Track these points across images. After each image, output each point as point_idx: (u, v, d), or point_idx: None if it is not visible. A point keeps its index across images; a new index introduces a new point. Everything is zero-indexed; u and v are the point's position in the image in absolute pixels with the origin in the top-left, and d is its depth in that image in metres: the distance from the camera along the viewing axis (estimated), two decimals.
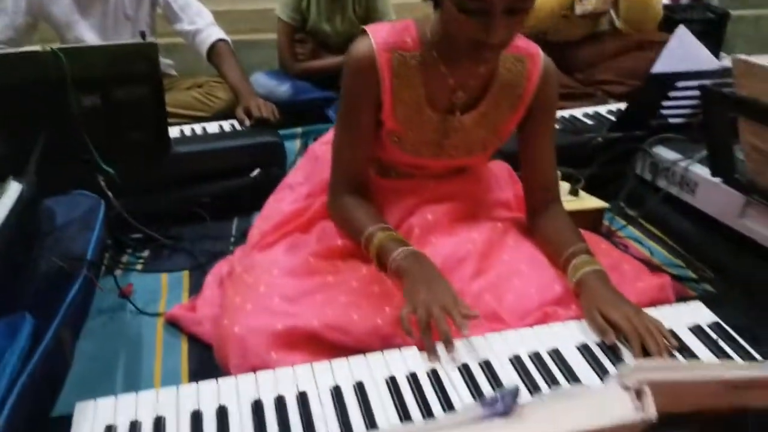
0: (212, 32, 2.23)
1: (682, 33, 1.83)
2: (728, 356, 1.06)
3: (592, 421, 0.52)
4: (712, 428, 0.64)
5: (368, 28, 1.25)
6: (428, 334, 1.06)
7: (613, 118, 1.97)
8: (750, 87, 1.32)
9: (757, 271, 1.39)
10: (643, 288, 1.23)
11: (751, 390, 0.59)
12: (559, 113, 2.12)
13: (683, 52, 1.78)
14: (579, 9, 2.46)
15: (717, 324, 1.14)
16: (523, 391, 0.99)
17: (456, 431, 0.52)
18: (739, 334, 1.11)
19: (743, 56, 1.32)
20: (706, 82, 1.49)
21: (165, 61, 2.32)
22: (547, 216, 1.34)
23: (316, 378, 1.03)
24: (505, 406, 0.53)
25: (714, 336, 1.11)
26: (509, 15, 1.07)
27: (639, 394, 0.54)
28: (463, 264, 1.26)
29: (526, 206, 1.39)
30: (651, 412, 0.53)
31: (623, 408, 0.53)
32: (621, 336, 1.07)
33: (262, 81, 2.46)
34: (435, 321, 1.06)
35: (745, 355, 1.07)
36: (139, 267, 1.59)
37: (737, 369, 0.57)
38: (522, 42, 1.29)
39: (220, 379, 1.02)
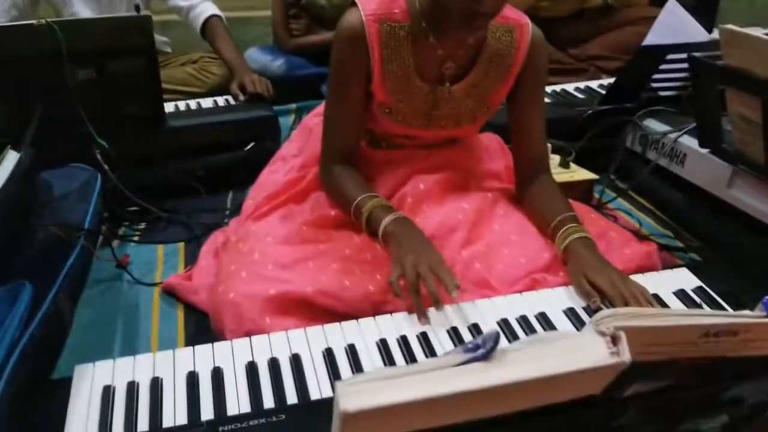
0: (206, 8, 2.24)
1: (672, 6, 1.84)
2: None
3: (569, 364, 0.55)
4: (687, 377, 0.67)
5: None
6: (417, 295, 1.08)
7: (604, 92, 1.98)
8: (737, 56, 1.34)
9: (743, 239, 1.42)
10: (630, 255, 1.26)
11: (725, 337, 0.61)
12: (551, 87, 2.14)
13: (674, 25, 1.79)
14: None
15: (701, 288, 1.17)
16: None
17: (438, 373, 0.54)
18: (723, 299, 1.14)
19: (730, 26, 1.33)
20: (696, 54, 1.51)
21: (160, 38, 2.32)
22: (536, 186, 1.36)
23: (309, 341, 1.06)
24: (485, 350, 0.55)
25: (698, 300, 1.14)
26: None
27: (614, 339, 0.56)
28: (454, 233, 1.28)
29: (516, 177, 1.41)
30: (626, 356, 0.56)
31: (599, 352, 0.56)
32: (606, 301, 1.10)
33: (256, 56, 2.48)
34: (424, 281, 1.08)
35: None
36: (135, 239, 1.60)
37: (711, 317, 0.59)
38: (511, 12, 1.30)
39: (216, 343, 1.05)
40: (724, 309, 1.11)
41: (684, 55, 1.58)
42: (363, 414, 0.50)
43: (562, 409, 0.60)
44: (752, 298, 1.18)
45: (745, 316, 0.60)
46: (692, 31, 1.81)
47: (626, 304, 1.07)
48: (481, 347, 0.55)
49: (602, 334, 0.57)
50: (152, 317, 1.34)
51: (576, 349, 0.56)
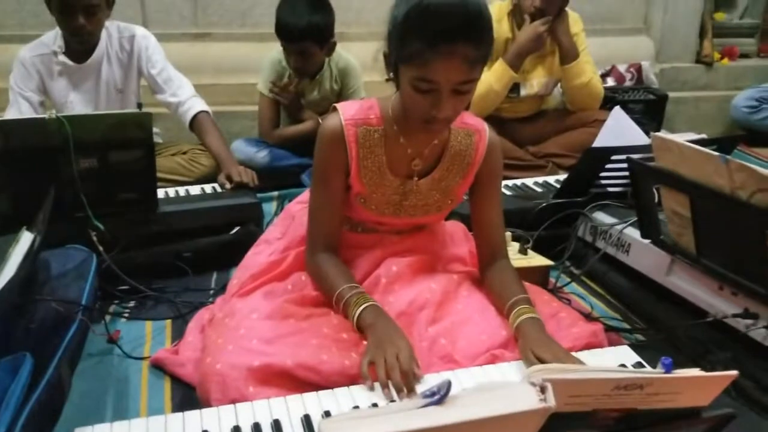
0: (194, 104, 2.42)
1: (617, 113, 2.08)
2: None
3: (506, 408, 0.69)
4: (610, 426, 0.81)
5: (338, 105, 1.46)
6: (385, 382, 1.21)
7: (559, 186, 2.18)
8: (667, 160, 1.54)
9: (680, 322, 1.57)
10: (578, 333, 1.40)
11: (633, 390, 0.76)
12: (513, 181, 2.35)
13: (619, 129, 2.02)
14: (523, 91, 2.77)
15: (639, 363, 1.31)
16: None
17: (404, 414, 0.68)
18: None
19: (660, 133, 1.54)
20: (635, 156, 1.71)
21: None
22: (495, 270, 1.52)
23: (288, 408, 1.16)
24: (440, 396, 0.69)
25: None
26: (455, 95, 1.28)
27: (542, 389, 0.70)
28: (422, 311, 1.43)
29: (478, 261, 1.57)
30: (551, 402, 0.70)
31: (530, 399, 0.70)
32: None
33: (242, 148, 2.65)
34: (390, 371, 1.20)
35: None
36: (126, 315, 1.71)
37: (620, 372, 0.74)
38: (471, 119, 1.51)
39: (204, 409, 1.16)
40: None
41: (626, 156, 1.78)
42: None
43: None
44: None
45: (648, 372, 0.75)
46: (634, 134, 2.04)
47: None
48: (436, 394, 0.69)
49: (533, 384, 0.71)
50: (141, 389, 1.44)
51: (512, 396, 0.70)
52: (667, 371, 0.74)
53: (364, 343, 1.32)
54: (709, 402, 0.80)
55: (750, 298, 1.45)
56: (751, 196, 1.35)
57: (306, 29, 2.43)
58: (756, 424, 1.15)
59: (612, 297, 1.86)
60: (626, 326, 1.70)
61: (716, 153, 1.40)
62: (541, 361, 1.25)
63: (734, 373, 0.77)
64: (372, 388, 1.21)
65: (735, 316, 1.45)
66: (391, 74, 1.36)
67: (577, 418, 0.77)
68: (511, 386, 0.71)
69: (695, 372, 0.76)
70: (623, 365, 1.31)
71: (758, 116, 3.49)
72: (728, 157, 1.38)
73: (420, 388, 1.21)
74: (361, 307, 1.35)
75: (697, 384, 0.76)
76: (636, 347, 1.41)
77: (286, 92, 2.60)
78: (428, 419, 0.66)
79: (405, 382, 1.19)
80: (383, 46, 1.36)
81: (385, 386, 1.20)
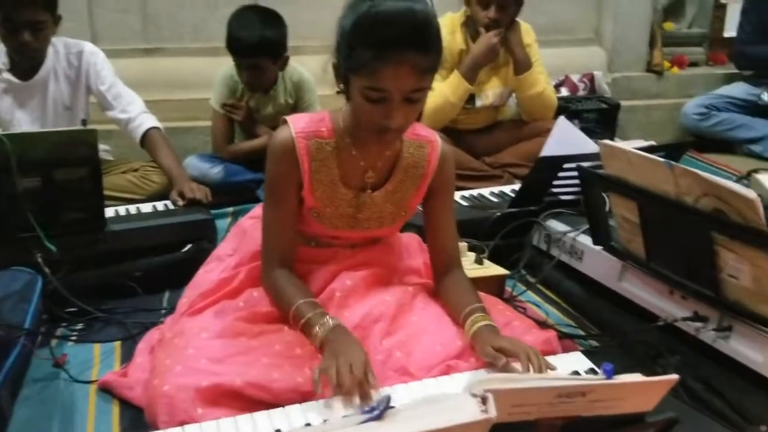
0: (145, 120, 2.38)
1: (562, 123, 2.10)
2: None
3: (447, 420, 0.68)
4: None
5: (288, 118, 1.44)
6: (338, 393, 1.19)
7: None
8: (615, 167, 1.56)
9: (633, 327, 1.58)
10: (531, 341, 1.40)
11: (576, 398, 0.75)
12: (469, 192, 2.35)
13: (566, 138, 2.04)
14: (479, 102, 2.79)
15: (592, 369, 1.31)
16: None
17: (343, 430, 0.66)
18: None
19: (607, 141, 1.56)
20: (586, 163, 1.73)
21: (102, 147, 2.44)
22: (450, 280, 1.52)
23: (238, 428, 1.14)
24: (379, 411, 0.68)
25: None
26: (406, 104, 1.28)
27: (484, 399, 0.70)
28: (377, 323, 1.41)
29: (433, 272, 1.57)
30: (492, 413, 0.69)
31: (471, 410, 0.69)
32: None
33: (195, 164, 2.61)
34: (340, 378, 1.18)
35: None
36: (73, 338, 1.67)
37: (562, 380, 0.74)
38: (422, 130, 1.50)
39: None
40: None
41: (577, 164, 1.80)
42: None
43: None
44: None
45: (589, 379, 0.75)
46: (581, 142, 2.06)
47: (528, 359, 1.21)
48: (375, 409, 0.68)
49: (474, 395, 0.70)
50: (88, 414, 1.40)
51: (453, 408, 0.69)
52: (609, 377, 0.74)
53: (320, 357, 1.30)
54: (652, 407, 0.80)
55: (699, 301, 1.47)
56: (696, 201, 1.37)
57: (258, 44, 2.41)
58: (706, 425, 1.16)
59: (567, 304, 1.87)
60: (580, 333, 1.71)
61: (662, 159, 1.42)
62: (500, 350, 1.26)
63: (675, 377, 0.77)
64: (323, 397, 1.19)
65: (685, 319, 1.47)
66: (342, 85, 1.36)
67: (521, 428, 0.76)
68: (452, 398, 0.70)
69: (636, 377, 0.76)
70: (576, 372, 1.31)
71: (708, 123, 3.57)
72: (673, 162, 1.40)
73: (376, 398, 1.20)
74: (324, 328, 1.32)
75: (639, 389, 0.76)
76: (589, 353, 1.41)
77: (238, 109, 2.57)
78: None
79: (359, 391, 1.18)
80: (332, 57, 1.35)
81: (337, 394, 1.18)
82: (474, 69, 2.66)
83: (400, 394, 1.22)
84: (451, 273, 1.53)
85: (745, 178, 2.60)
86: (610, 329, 1.66)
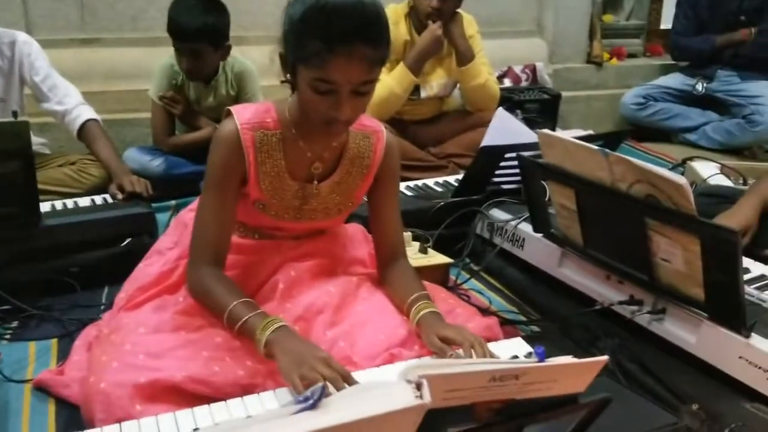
0: (82, 112, 2.31)
1: (501, 113, 2.13)
2: None
3: (381, 407, 0.68)
4: (489, 418, 0.82)
5: (233, 109, 1.41)
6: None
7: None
8: (553, 155, 1.59)
9: (572, 311, 1.62)
10: (474, 328, 1.41)
11: (509, 381, 0.76)
12: (414, 182, 2.37)
13: (506, 128, 2.07)
14: (423, 93, 2.80)
15: (531, 354, 1.34)
16: None
17: (277, 421, 0.66)
18: None
19: (545, 130, 1.59)
20: (527, 153, 1.76)
21: (38, 140, 2.37)
22: (394, 269, 1.53)
23: (178, 424, 1.12)
24: (314, 400, 0.67)
25: None
26: (355, 96, 1.27)
27: (418, 385, 0.70)
28: (320, 314, 1.41)
29: (377, 261, 1.57)
30: (427, 398, 0.69)
31: (405, 397, 0.69)
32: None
33: (135, 157, 2.55)
34: (336, 384, 1.13)
35: None
36: (7, 337, 1.61)
37: (494, 364, 0.75)
38: (368, 121, 1.50)
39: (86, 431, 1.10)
40: None
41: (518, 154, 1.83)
42: None
43: None
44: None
45: (522, 362, 0.76)
46: (523, 133, 2.10)
47: (472, 347, 1.24)
48: (310, 398, 0.68)
49: (409, 381, 0.70)
50: (23, 414, 1.36)
51: (387, 395, 0.69)
52: (541, 360, 0.75)
53: (262, 351, 1.27)
54: (585, 388, 0.82)
55: (634, 285, 1.51)
56: (630, 187, 1.41)
57: (200, 29, 2.36)
58: (641, 406, 1.19)
59: (509, 291, 1.90)
60: (522, 318, 1.74)
61: (597, 147, 1.46)
62: (445, 339, 1.28)
63: (605, 358, 0.79)
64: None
65: (621, 303, 1.51)
66: (288, 76, 1.34)
67: (457, 413, 0.77)
68: (386, 385, 0.70)
69: (568, 359, 0.78)
70: (515, 356, 1.34)
71: (645, 113, 3.67)
72: (608, 150, 1.43)
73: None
74: (271, 329, 1.25)
75: (571, 371, 0.78)
76: (530, 338, 1.44)
77: (177, 103, 2.52)
78: (301, 425, 0.65)
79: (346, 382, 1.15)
80: (279, 46, 1.33)
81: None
82: (419, 61, 2.67)
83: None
84: (395, 262, 1.54)
85: (681, 165, 2.69)
86: (550, 314, 1.70)
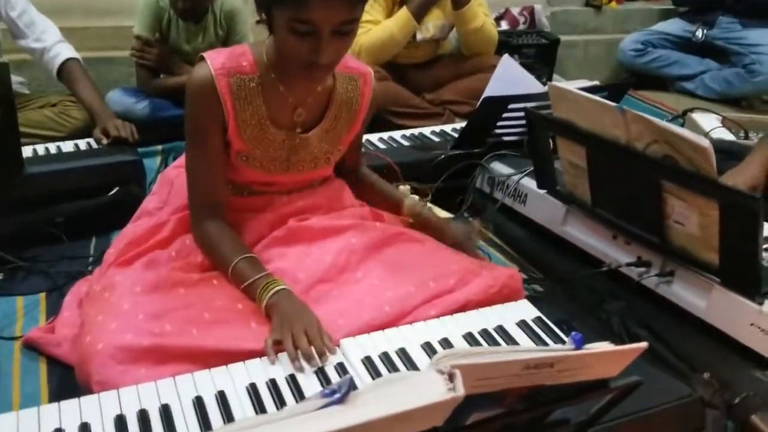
0: (61, 50, 2.19)
1: (506, 60, 2.04)
2: (546, 345, 1.23)
3: (413, 401, 0.63)
4: (517, 404, 0.78)
5: (206, 54, 1.32)
6: (295, 358, 1.14)
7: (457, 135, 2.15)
8: (563, 110, 1.52)
9: (577, 271, 1.59)
10: (498, 273, 1.39)
11: (543, 369, 0.72)
12: (409, 131, 2.30)
13: (511, 77, 1.99)
14: (419, 36, 2.69)
15: (539, 318, 1.31)
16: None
17: (302, 417, 0.61)
18: (558, 327, 1.29)
19: (556, 83, 1.52)
20: (532, 104, 1.69)
21: (16, 79, 2.24)
22: (364, 176, 1.62)
23: (178, 390, 1.08)
24: (341, 394, 0.63)
25: (536, 329, 1.28)
26: (336, 37, 1.19)
27: (451, 376, 0.66)
28: (321, 284, 1.34)
29: (345, 174, 1.59)
30: (460, 391, 0.65)
31: (438, 389, 0.65)
32: None
33: (119, 99, 2.42)
34: (297, 341, 1.15)
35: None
36: None
37: (530, 352, 0.70)
38: (354, 63, 1.43)
39: (82, 398, 1.05)
40: (558, 336, 1.26)
41: (523, 105, 1.76)
42: None
43: None
44: (581, 323, 1.35)
45: (558, 350, 0.72)
46: (527, 82, 2.02)
47: None
48: (337, 392, 0.63)
49: (440, 372, 0.66)
50: (12, 373, 1.31)
51: (418, 388, 0.65)
52: (578, 347, 0.71)
53: (263, 312, 1.25)
54: (617, 373, 0.78)
55: (642, 246, 1.47)
56: (647, 147, 1.36)
57: None
58: (655, 376, 1.16)
59: (509, 247, 1.86)
60: (524, 276, 1.70)
61: (613, 104, 1.39)
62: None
63: (644, 344, 0.75)
64: (273, 363, 1.14)
65: (629, 264, 1.47)
66: (263, 15, 1.25)
67: (485, 398, 0.73)
68: (416, 376, 0.66)
69: (605, 346, 0.74)
70: (524, 321, 1.30)
71: (644, 59, 3.59)
72: (625, 107, 1.37)
73: (334, 359, 1.17)
74: (271, 292, 1.24)
75: (608, 358, 0.74)
76: (534, 299, 1.40)
77: (149, 53, 2.38)
78: (331, 422, 0.60)
79: (316, 352, 1.15)
80: None
81: (294, 359, 1.14)
82: (425, 7, 2.58)
83: (348, 349, 1.19)
84: (361, 171, 1.62)
85: (681, 117, 2.64)
86: (553, 273, 1.66)
